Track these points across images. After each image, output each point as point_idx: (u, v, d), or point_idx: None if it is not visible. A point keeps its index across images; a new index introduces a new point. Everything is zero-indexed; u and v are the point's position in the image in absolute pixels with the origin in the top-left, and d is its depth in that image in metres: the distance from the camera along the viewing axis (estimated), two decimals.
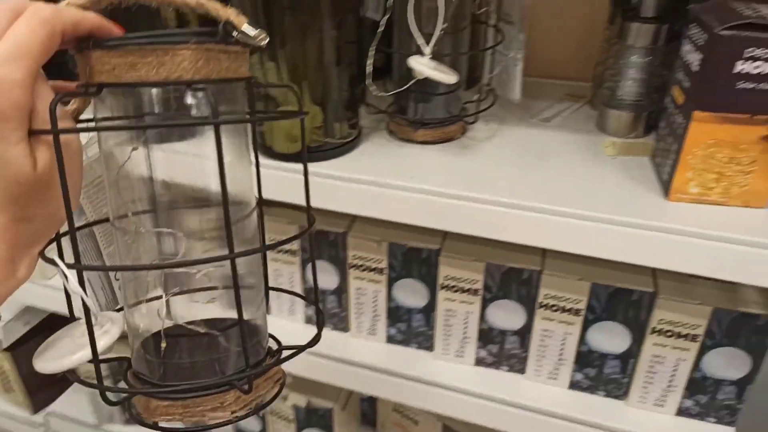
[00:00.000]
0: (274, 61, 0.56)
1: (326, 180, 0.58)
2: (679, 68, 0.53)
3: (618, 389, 0.65)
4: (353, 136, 0.62)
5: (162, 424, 0.35)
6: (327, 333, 0.76)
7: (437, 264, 0.65)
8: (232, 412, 0.34)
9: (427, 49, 0.56)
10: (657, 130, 0.59)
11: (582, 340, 0.63)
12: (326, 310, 0.75)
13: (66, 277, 0.31)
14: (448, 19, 0.56)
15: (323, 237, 0.69)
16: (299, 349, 0.37)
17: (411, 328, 0.71)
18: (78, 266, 0.31)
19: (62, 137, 0.29)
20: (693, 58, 0.49)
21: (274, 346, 0.39)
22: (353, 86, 0.61)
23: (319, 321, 0.40)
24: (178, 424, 0.34)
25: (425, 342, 0.72)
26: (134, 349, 0.37)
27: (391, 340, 0.73)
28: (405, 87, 0.59)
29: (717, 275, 0.50)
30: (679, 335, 0.58)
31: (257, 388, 0.35)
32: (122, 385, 0.35)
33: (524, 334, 0.66)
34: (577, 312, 0.61)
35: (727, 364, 0.58)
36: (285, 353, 0.37)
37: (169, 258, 0.36)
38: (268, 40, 0.32)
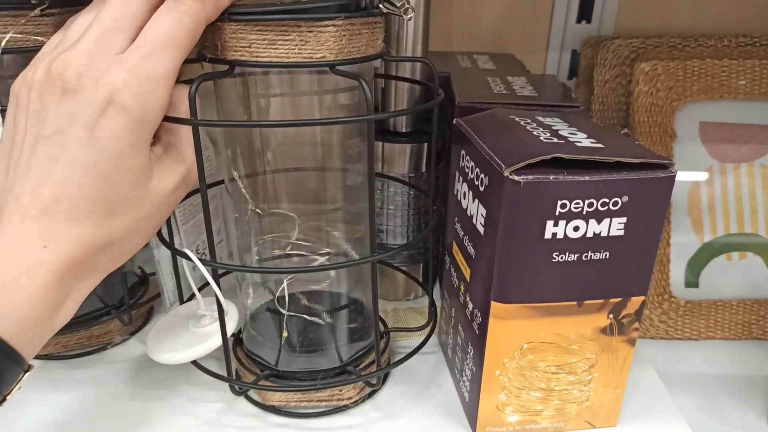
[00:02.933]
0: None
1: None
2: (456, 215, 0.33)
3: None
4: None
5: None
6: None
7: None
8: (349, 398, 0.33)
9: None
10: (375, 324, 0.39)
11: None
12: None
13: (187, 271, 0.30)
14: None
15: None
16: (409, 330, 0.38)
17: None
18: (213, 264, 0.28)
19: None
20: (474, 209, 0.30)
21: None
22: None
23: (431, 305, 0.37)
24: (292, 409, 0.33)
25: None
26: (248, 331, 0.34)
27: None
28: None
29: None
30: None
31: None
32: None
33: None
34: None
35: None
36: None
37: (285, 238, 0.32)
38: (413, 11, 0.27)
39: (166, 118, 0.25)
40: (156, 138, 0.25)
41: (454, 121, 0.33)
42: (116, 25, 0.23)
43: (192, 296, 0.35)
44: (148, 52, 0.23)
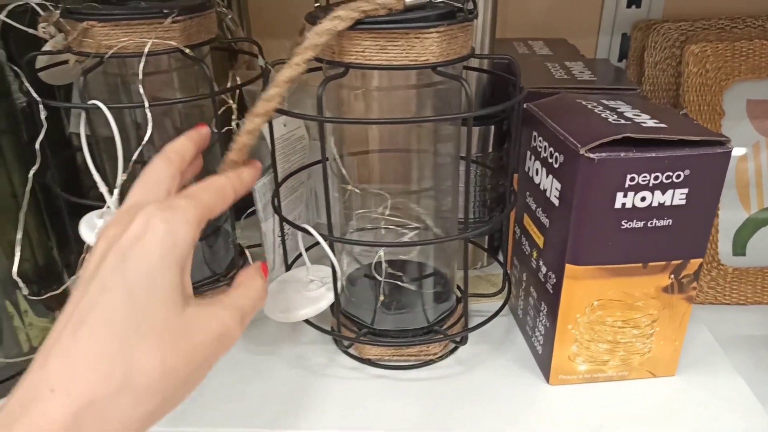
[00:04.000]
0: None
1: None
2: (527, 190, 0.37)
3: None
4: None
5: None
6: None
7: None
8: (435, 354, 0.38)
9: (112, 201, 0.34)
10: (464, 283, 0.43)
11: None
12: None
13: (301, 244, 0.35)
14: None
15: None
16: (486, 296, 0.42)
17: None
18: (331, 238, 0.33)
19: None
20: (548, 184, 0.34)
21: None
22: None
23: (505, 273, 0.41)
24: (386, 362, 0.38)
25: None
26: (345, 295, 0.38)
27: None
28: None
29: None
30: None
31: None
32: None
33: None
34: None
35: None
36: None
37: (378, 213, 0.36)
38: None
39: (293, 114, 0.29)
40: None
41: (524, 106, 0.37)
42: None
43: (291, 265, 0.40)
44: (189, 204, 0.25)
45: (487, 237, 0.49)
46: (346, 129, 0.35)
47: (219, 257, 0.44)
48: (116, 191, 0.33)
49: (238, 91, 0.39)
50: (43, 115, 0.33)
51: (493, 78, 0.43)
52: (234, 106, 0.38)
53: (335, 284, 0.34)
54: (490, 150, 0.45)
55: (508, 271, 0.42)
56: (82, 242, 0.34)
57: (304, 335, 0.41)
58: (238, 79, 0.39)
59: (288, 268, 0.39)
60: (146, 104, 0.33)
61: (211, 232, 0.44)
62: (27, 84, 0.34)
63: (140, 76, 0.32)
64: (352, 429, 0.34)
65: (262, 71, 0.40)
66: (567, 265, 0.32)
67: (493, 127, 0.44)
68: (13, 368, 0.36)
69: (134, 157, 0.34)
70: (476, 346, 0.39)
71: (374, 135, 0.36)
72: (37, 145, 0.33)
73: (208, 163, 0.42)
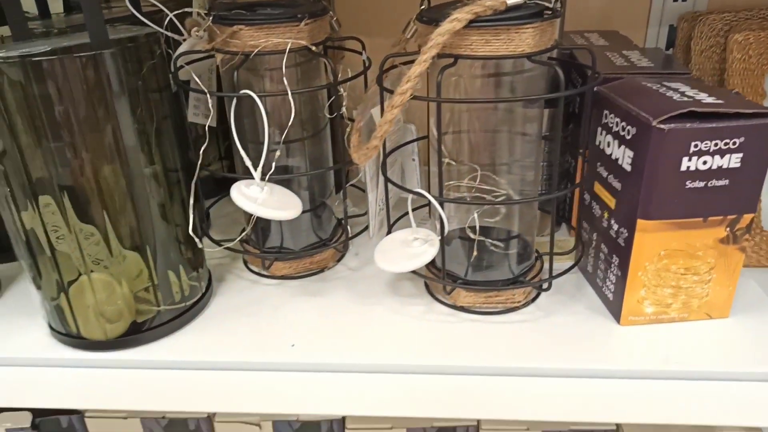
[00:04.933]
0: (56, 201, 0.38)
1: (168, 371, 0.41)
2: (598, 163, 0.44)
3: None
4: (200, 291, 0.46)
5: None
6: None
7: None
8: (518, 302, 0.44)
9: (257, 174, 0.42)
10: (551, 238, 0.49)
11: None
12: None
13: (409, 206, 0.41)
14: (288, 130, 0.43)
15: (180, 427, 0.51)
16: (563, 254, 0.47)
17: None
18: (441, 199, 0.40)
19: None
20: (620, 154, 0.40)
21: None
22: (185, 233, 0.44)
23: (578, 234, 0.47)
24: (477, 308, 0.44)
25: None
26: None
27: None
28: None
29: (696, 421, 0.40)
30: None
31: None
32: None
33: None
34: None
35: None
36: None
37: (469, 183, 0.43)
38: None
39: (419, 98, 0.36)
40: None
41: (594, 89, 0.43)
42: None
43: (391, 227, 0.47)
44: None
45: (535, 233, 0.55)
46: (446, 111, 0.42)
47: (324, 226, 0.52)
48: (260, 166, 0.41)
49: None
50: (210, 102, 0.40)
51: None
52: (345, 94, 0.45)
53: (442, 236, 0.41)
54: (555, 131, 0.51)
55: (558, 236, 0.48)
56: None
57: (402, 290, 0.48)
58: (348, 71, 0.46)
59: (389, 231, 0.46)
60: (289, 92, 0.40)
61: (318, 205, 0.51)
62: (175, 78, 0.41)
63: (284, 70, 0.40)
64: (448, 360, 0.40)
65: (364, 65, 0.47)
66: (639, 221, 0.38)
67: (555, 109, 0.50)
68: (169, 314, 0.43)
69: (283, 136, 0.41)
70: (552, 297, 0.46)
71: (466, 116, 0.42)
72: (206, 126, 0.41)
73: (319, 143, 0.50)
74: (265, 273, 0.50)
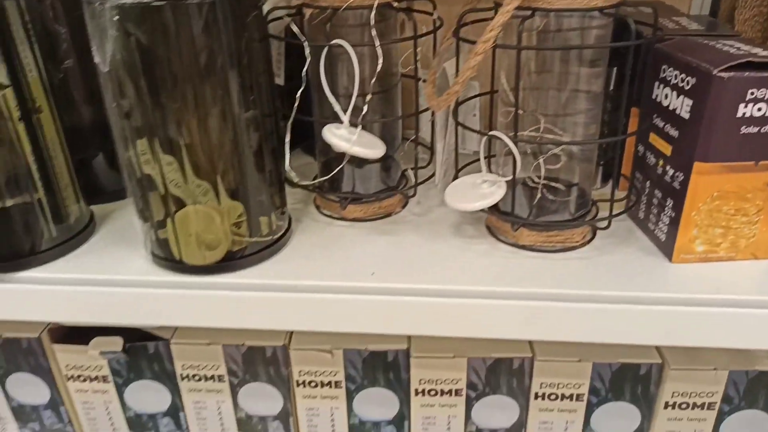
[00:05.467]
0: (172, 153, 0.43)
1: (259, 293, 0.46)
2: (654, 114, 0.47)
3: None
4: (283, 228, 0.50)
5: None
6: None
7: (408, 367, 0.54)
8: (576, 241, 0.49)
9: (345, 118, 0.46)
10: (613, 179, 0.53)
11: (586, 425, 0.55)
12: None
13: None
14: (370, 80, 0.47)
15: (258, 353, 0.55)
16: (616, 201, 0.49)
17: None
18: (516, 139, 0.42)
19: None
20: (678, 103, 0.44)
21: None
22: (277, 166, 0.49)
23: (631, 183, 0.51)
24: (538, 247, 0.48)
25: None
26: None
27: None
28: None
29: (740, 345, 0.44)
30: (694, 405, 0.52)
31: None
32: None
33: (519, 430, 0.56)
34: (579, 397, 0.53)
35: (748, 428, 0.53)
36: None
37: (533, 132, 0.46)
38: None
39: (504, 46, 0.40)
40: None
41: (653, 47, 0.47)
42: None
43: (458, 173, 0.51)
44: None
45: (601, 167, 0.59)
46: (513, 67, 0.46)
47: (392, 175, 0.56)
48: (349, 110, 0.45)
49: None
50: (307, 51, 0.44)
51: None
52: (420, 49, 0.49)
53: (514, 175, 0.45)
54: (611, 87, 0.55)
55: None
56: None
57: (465, 233, 0.52)
58: (424, 28, 0.50)
59: (455, 177, 0.50)
60: (377, 43, 0.44)
61: (386, 157, 0.55)
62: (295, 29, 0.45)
63: (372, 23, 0.44)
64: (510, 287, 0.44)
65: (434, 24, 0.51)
66: (696, 164, 0.42)
67: (615, 68, 0.54)
68: (258, 246, 0.48)
69: (371, 85, 0.45)
70: (606, 240, 0.50)
71: (534, 71, 0.46)
72: (303, 73, 0.45)
73: (391, 96, 0.54)
74: (336, 216, 0.54)
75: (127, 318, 0.48)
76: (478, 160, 0.51)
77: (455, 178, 0.51)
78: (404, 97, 0.56)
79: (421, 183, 0.55)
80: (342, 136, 0.44)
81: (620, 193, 0.54)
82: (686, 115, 0.43)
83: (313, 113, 0.51)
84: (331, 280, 0.46)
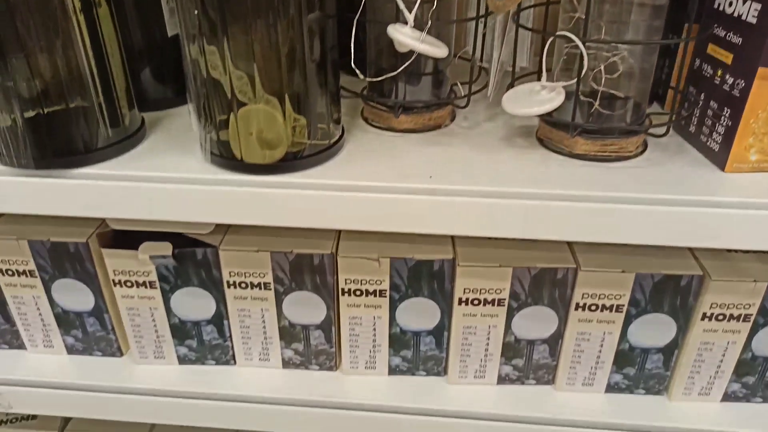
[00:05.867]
0: (240, 57, 0.43)
1: (318, 192, 0.46)
2: (715, 24, 0.47)
3: (659, 384, 0.59)
4: (337, 135, 0.51)
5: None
6: (315, 374, 0.64)
7: (453, 276, 0.55)
8: (629, 151, 0.49)
9: (410, 17, 0.46)
10: (676, 84, 0.53)
11: (622, 338, 0.56)
12: (311, 348, 0.62)
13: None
14: None
15: (305, 261, 0.56)
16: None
17: (419, 354, 0.61)
18: (585, 39, 0.43)
19: None
20: (744, 9, 0.44)
21: None
22: (336, 71, 0.49)
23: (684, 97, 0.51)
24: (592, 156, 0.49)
25: (435, 367, 0.62)
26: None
27: (394, 371, 0.63)
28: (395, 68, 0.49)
29: None
30: (731, 317, 0.53)
31: None
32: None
33: (556, 341, 0.58)
34: (618, 308, 0.54)
35: None
36: None
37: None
38: None
39: None
40: None
41: None
42: None
43: (513, 83, 0.51)
44: None
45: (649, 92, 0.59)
46: None
47: (443, 87, 0.56)
48: (415, 8, 0.45)
49: None
50: None
51: None
52: None
53: (579, 77, 0.45)
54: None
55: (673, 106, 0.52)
56: None
57: (516, 144, 0.52)
58: None
59: (511, 85, 0.50)
60: None
61: (436, 69, 0.55)
62: None
63: None
64: (564, 189, 0.45)
65: None
66: (760, 69, 0.43)
67: None
68: (315, 148, 0.48)
69: None
70: (658, 152, 0.51)
71: None
72: None
73: (447, 5, 0.53)
74: (385, 127, 0.55)
75: (183, 215, 0.48)
76: (529, 74, 0.51)
77: (511, 86, 0.51)
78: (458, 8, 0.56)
79: (476, 93, 0.55)
80: (408, 34, 0.44)
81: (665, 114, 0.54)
82: (753, 20, 0.43)
83: (369, 15, 0.51)
84: (390, 181, 0.46)
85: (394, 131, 0.54)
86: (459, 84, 0.56)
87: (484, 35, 0.55)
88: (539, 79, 0.49)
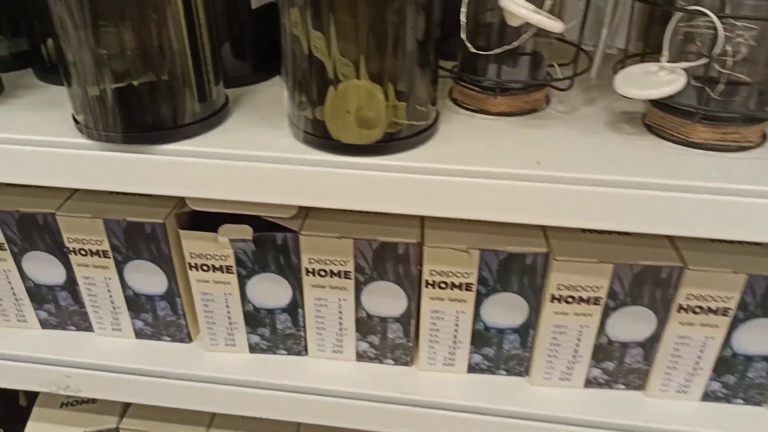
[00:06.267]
0: (320, 29, 0.40)
1: (418, 176, 0.44)
2: None
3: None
4: (434, 115, 0.48)
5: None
6: (389, 369, 0.61)
7: (545, 272, 0.52)
8: (751, 141, 0.46)
9: None
10: None
11: (726, 342, 0.53)
12: (388, 341, 0.60)
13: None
14: None
15: (389, 250, 0.54)
16: None
17: (502, 352, 0.58)
18: (721, 15, 0.40)
19: None
20: None
21: None
22: (436, 50, 0.46)
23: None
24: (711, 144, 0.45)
25: (517, 367, 0.59)
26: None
27: (473, 369, 0.60)
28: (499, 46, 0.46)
29: None
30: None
31: None
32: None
33: (652, 344, 0.54)
34: (725, 312, 0.51)
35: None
36: None
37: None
38: None
39: None
40: None
41: None
42: None
43: (625, 63, 0.48)
44: None
45: None
46: None
47: (540, 69, 0.52)
48: None
49: None
50: None
51: None
52: None
53: (711, 57, 0.41)
54: None
55: None
56: None
57: (622, 130, 0.49)
58: None
59: (623, 66, 0.47)
60: None
61: (534, 51, 0.52)
62: None
63: None
64: (687, 180, 0.42)
65: None
66: None
67: None
68: (413, 129, 0.45)
69: None
70: None
71: None
72: None
73: None
74: (477, 109, 0.52)
75: (270, 195, 0.46)
76: (633, 56, 0.48)
77: (623, 66, 0.47)
78: None
79: (579, 75, 0.51)
80: (523, 5, 0.41)
81: None
82: None
83: None
84: (494, 166, 0.43)
85: (488, 114, 0.52)
86: (556, 65, 0.53)
87: (585, 13, 0.52)
88: (642, 62, 0.45)
